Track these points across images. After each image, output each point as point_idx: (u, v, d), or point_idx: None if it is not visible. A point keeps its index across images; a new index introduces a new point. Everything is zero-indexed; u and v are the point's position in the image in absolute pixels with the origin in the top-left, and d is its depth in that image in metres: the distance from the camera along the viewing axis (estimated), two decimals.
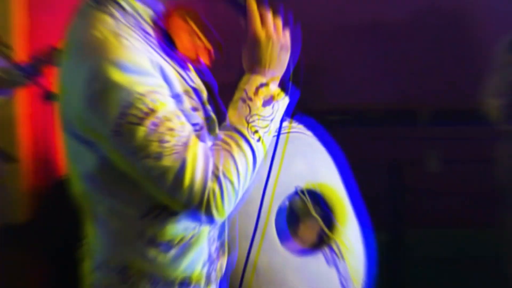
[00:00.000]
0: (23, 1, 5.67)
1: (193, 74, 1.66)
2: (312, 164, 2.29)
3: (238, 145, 1.54)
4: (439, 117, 4.44)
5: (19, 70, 3.92)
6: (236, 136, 1.55)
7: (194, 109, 1.58)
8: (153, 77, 1.50)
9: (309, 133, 2.33)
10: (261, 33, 1.60)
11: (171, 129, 1.48)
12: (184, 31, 1.66)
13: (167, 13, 1.68)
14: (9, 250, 4.46)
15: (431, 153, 4.17)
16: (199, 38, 1.68)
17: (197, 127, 1.55)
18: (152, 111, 1.46)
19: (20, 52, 4.53)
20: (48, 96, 3.98)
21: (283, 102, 1.63)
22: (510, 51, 3.40)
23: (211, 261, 1.72)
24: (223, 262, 1.79)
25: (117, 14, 1.58)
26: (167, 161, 1.48)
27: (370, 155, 4.23)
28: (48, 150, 5.39)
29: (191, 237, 1.65)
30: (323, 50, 5.12)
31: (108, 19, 1.55)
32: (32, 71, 4.03)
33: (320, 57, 5.08)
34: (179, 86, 1.56)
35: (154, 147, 1.48)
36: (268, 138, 1.60)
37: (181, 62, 1.62)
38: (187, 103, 1.57)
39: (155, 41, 1.59)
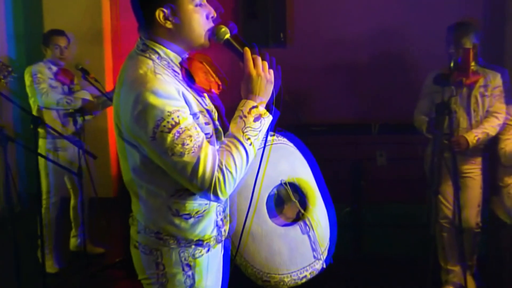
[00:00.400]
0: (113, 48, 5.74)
1: (207, 100, 1.75)
2: (293, 164, 2.30)
3: (236, 147, 1.63)
4: (386, 127, 4.42)
5: (105, 96, 3.99)
6: (235, 141, 1.63)
7: (207, 123, 1.68)
8: (177, 101, 1.59)
9: (290, 144, 2.34)
10: (253, 72, 1.68)
11: (190, 136, 1.57)
12: (200, 70, 1.75)
13: (190, 58, 1.75)
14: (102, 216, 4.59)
15: (380, 153, 4.16)
16: (211, 75, 1.78)
17: (208, 136, 1.66)
18: (177, 123, 1.57)
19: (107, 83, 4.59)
20: None
21: (268, 118, 1.69)
22: (435, 82, 3.40)
23: (218, 227, 1.80)
24: (226, 228, 1.86)
25: (155, 58, 1.67)
26: (187, 158, 1.57)
27: (340, 154, 4.28)
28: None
29: (204, 211, 1.74)
30: (312, 81, 5.14)
31: (148, 61, 1.66)
32: (111, 98, 4.09)
33: (309, 86, 5.08)
34: (196, 107, 1.66)
35: (179, 148, 1.57)
36: (258, 142, 1.67)
37: (198, 91, 1.71)
38: (202, 119, 1.67)
39: (180, 77, 1.68)
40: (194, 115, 1.64)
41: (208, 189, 1.58)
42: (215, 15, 1.70)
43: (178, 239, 1.73)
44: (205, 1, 1.70)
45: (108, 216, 4.67)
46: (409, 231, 4.20)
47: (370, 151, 4.26)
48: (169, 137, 1.56)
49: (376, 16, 5.03)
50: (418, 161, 3.76)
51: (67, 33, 4.15)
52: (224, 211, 1.83)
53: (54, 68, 4.08)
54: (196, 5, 1.67)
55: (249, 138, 1.65)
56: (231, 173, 1.60)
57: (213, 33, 1.70)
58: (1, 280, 3.11)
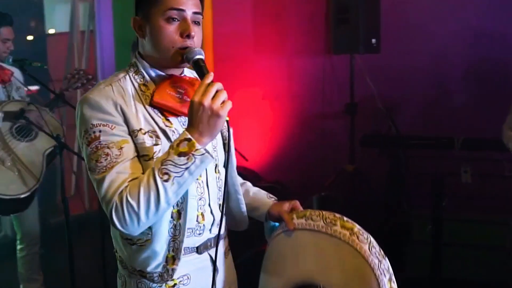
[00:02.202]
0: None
1: (171, 122, 1.60)
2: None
3: (147, 180, 1.44)
4: (470, 142, 4.16)
5: None
6: (150, 173, 1.45)
7: (155, 144, 1.54)
8: (107, 115, 1.52)
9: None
10: (194, 98, 1.44)
11: (106, 154, 1.49)
12: (170, 89, 1.62)
13: (170, 76, 1.63)
14: None
15: (465, 169, 3.93)
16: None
17: (146, 158, 1.53)
18: (97, 138, 1.50)
19: None
20: None
21: (201, 157, 1.44)
22: None
23: (164, 266, 1.61)
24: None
25: (132, 70, 1.63)
26: (97, 175, 1.50)
27: (420, 168, 4.09)
28: None
29: (145, 240, 1.58)
30: (399, 90, 4.96)
31: (121, 73, 1.64)
32: None
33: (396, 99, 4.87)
34: (139, 125, 1.54)
35: (93, 163, 1.51)
36: (185, 180, 1.45)
37: (160, 110, 1.58)
38: (146, 139, 1.54)
39: (146, 93, 1.59)
40: (131, 132, 1.54)
41: (107, 214, 1.47)
42: (192, 33, 1.56)
43: (125, 266, 1.67)
44: (185, 17, 1.56)
45: None
46: (491, 253, 3.92)
47: (453, 166, 4.01)
48: (88, 150, 1.52)
49: (469, 26, 4.77)
50: (504, 179, 3.49)
51: None
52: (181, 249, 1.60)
53: None
54: (167, 19, 1.56)
55: (166, 173, 1.43)
56: (131, 206, 1.44)
57: (185, 51, 1.56)
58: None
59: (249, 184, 1.95)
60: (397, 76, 4.91)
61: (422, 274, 3.92)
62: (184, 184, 1.46)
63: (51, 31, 5.84)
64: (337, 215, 1.57)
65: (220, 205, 1.72)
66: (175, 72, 1.64)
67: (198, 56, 1.54)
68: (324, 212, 1.60)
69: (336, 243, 1.55)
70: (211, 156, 1.47)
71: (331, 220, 1.57)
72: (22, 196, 3.06)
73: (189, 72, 1.74)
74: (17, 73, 3.54)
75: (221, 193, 1.73)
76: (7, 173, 3.14)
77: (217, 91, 1.45)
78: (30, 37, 6.04)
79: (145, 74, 1.63)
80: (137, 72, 1.63)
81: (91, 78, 3.48)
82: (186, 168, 1.43)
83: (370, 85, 4.83)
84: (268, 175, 5.38)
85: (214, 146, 1.72)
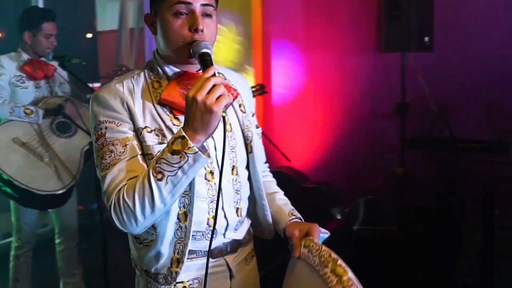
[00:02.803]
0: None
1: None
2: None
3: (143, 179, 1.41)
4: None
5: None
6: (145, 172, 1.42)
7: (160, 143, 1.50)
8: (113, 111, 1.51)
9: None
10: (189, 92, 1.37)
11: (111, 151, 1.48)
12: (180, 86, 1.57)
13: (184, 73, 1.60)
14: None
15: None
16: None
17: (150, 157, 1.49)
18: (103, 134, 1.50)
19: None
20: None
21: (194, 155, 1.36)
22: None
23: (169, 268, 1.57)
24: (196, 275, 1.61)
25: (148, 68, 1.62)
26: (101, 172, 1.49)
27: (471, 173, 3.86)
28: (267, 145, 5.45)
29: (151, 240, 1.56)
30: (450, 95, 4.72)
31: (137, 71, 1.63)
32: None
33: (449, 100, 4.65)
34: (144, 123, 1.52)
35: (98, 160, 1.51)
36: (179, 180, 1.39)
37: (168, 107, 1.55)
38: (151, 137, 1.51)
39: (159, 90, 1.57)
40: (136, 130, 1.52)
41: (108, 211, 1.46)
42: (200, 27, 1.50)
43: (137, 266, 1.65)
44: (193, 10, 1.51)
45: None
46: None
47: (507, 172, 3.77)
48: (95, 147, 1.53)
49: None
50: None
51: None
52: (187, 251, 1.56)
53: None
54: (175, 14, 1.51)
55: (160, 172, 1.38)
56: (128, 205, 1.41)
57: (192, 45, 1.50)
58: None
59: (279, 194, 1.87)
60: (451, 76, 4.69)
61: (472, 283, 3.70)
62: (178, 183, 1.40)
63: (102, 29, 5.88)
64: (333, 255, 1.40)
65: (237, 209, 1.66)
66: (191, 68, 1.60)
67: (203, 50, 1.48)
68: (323, 248, 1.45)
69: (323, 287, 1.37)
70: (204, 155, 1.39)
71: (325, 259, 1.40)
72: (58, 192, 3.07)
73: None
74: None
75: (240, 196, 1.66)
76: (45, 169, 3.17)
77: (214, 86, 1.37)
78: (89, 35, 6.14)
79: (159, 71, 1.60)
80: (152, 69, 1.61)
81: None
82: (179, 167, 1.37)
83: (423, 84, 4.62)
84: (315, 175, 5.29)
85: (233, 146, 1.65)
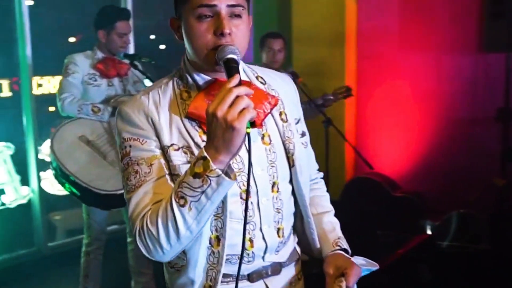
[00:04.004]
0: None
1: None
2: None
3: (166, 204, 1.28)
4: None
5: (313, 103, 3.81)
6: (169, 196, 1.28)
7: (189, 162, 1.34)
8: (138, 128, 1.38)
9: None
10: (209, 108, 1.21)
11: (136, 172, 1.36)
12: (208, 97, 1.40)
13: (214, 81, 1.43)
14: None
15: None
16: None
17: (177, 177, 1.33)
18: (128, 153, 1.38)
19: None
20: (328, 122, 3.82)
21: (217, 179, 1.21)
22: None
23: None
24: None
25: (177, 75, 1.47)
26: (126, 195, 1.38)
27: None
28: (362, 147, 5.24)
29: (181, 265, 1.43)
30: None
31: (166, 80, 1.48)
32: (324, 103, 3.91)
33: None
34: (172, 140, 1.38)
35: (124, 180, 1.39)
36: (203, 206, 1.25)
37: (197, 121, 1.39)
38: (179, 155, 1.37)
39: (187, 102, 1.41)
40: (163, 148, 1.38)
41: (134, 240, 1.34)
42: (226, 31, 1.32)
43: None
44: (218, 12, 1.33)
45: None
46: None
47: None
48: (121, 167, 1.41)
49: None
50: None
51: (282, 36, 4.06)
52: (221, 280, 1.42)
53: None
54: (198, 17, 1.34)
55: (183, 197, 1.25)
56: (152, 233, 1.29)
57: (217, 50, 1.33)
58: None
59: (327, 215, 1.67)
60: None
61: None
62: (203, 210, 1.26)
63: None
64: None
65: (278, 229, 1.50)
66: (222, 76, 1.40)
67: (229, 56, 1.31)
68: None
69: None
70: (230, 177, 1.24)
71: None
72: (118, 192, 2.99)
73: (242, 74, 1.50)
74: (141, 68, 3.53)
75: (281, 215, 1.50)
76: (107, 168, 3.13)
77: (236, 98, 1.20)
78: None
79: (189, 79, 1.45)
80: (182, 77, 1.46)
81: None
82: (202, 192, 1.23)
83: None
84: (406, 183, 5.02)
85: (272, 160, 1.48)
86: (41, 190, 4.47)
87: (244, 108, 1.18)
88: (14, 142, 4.31)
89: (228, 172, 1.26)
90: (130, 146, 1.37)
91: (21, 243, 4.47)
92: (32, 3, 4.42)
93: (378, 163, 5.33)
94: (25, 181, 4.39)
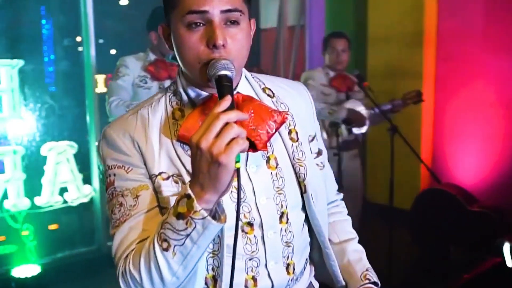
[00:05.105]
0: None
1: None
2: None
3: (149, 246, 1.11)
4: None
5: (379, 110, 3.52)
6: (151, 237, 1.11)
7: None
8: (122, 154, 1.20)
9: None
10: (193, 137, 1.03)
11: (120, 204, 1.19)
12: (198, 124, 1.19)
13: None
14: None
15: None
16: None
17: (164, 211, 1.17)
18: (112, 182, 1.21)
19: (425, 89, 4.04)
20: (394, 130, 3.51)
21: (202, 221, 1.04)
22: None
23: None
24: None
25: (171, 90, 1.28)
26: (111, 229, 1.21)
27: None
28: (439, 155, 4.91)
29: None
30: None
31: (157, 95, 1.29)
32: (392, 109, 3.62)
33: None
34: (159, 168, 1.19)
35: (109, 214, 1.23)
36: (189, 251, 1.07)
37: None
38: (169, 184, 1.18)
39: (180, 124, 1.21)
40: (151, 176, 1.19)
41: (118, 280, 1.18)
42: (219, 42, 1.12)
43: None
44: (210, 20, 1.13)
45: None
46: None
47: None
48: (106, 197, 1.24)
49: None
50: None
51: (347, 36, 3.78)
52: None
53: (331, 74, 3.76)
54: (188, 26, 1.14)
55: (165, 240, 1.07)
56: (134, 277, 1.12)
57: (209, 65, 1.13)
58: None
59: (352, 243, 1.47)
60: None
61: None
62: (189, 255, 1.09)
63: (265, 26, 5.66)
64: None
65: (288, 265, 1.28)
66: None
67: (221, 72, 1.11)
68: None
69: None
70: (220, 219, 1.07)
71: None
72: None
73: (245, 87, 1.30)
74: None
75: (291, 249, 1.29)
76: None
77: (225, 126, 1.00)
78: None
79: (183, 94, 1.25)
80: (176, 92, 1.27)
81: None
82: (187, 235, 1.06)
83: None
84: (486, 197, 4.56)
85: (280, 186, 1.26)
86: (102, 189, 4.44)
87: (233, 139, 1.00)
88: (77, 141, 4.32)
89: (218, 211, 1.07)
90: (115, 175, 1.21)
91: (82, 240, 4.51)
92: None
93: (455, 174, 4.94)
94: (87, 180, 4.39)
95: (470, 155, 4.87)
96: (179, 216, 1.05)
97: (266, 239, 1.24)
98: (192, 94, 1.23)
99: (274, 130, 1.21)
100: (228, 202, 1.18)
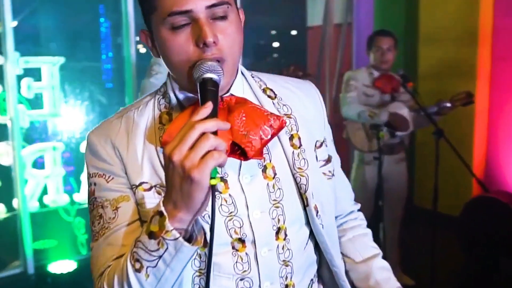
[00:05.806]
0: None
1: None
2: None
3: (122, 265, 1.01)
4: None
5: (424, 112, 3.32)
6: (125, 256, 1.01)
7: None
8: (105, 163, 1.11)
9: None
10: (166, 149, 0.92)
11: (100, 216, 1.10)
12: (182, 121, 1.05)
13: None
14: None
15: None
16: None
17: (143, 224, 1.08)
18: (92, 192, 1.13)
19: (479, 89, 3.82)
20: (439, 134, 3.30)
21: (174, 242, 0.93)
22: None
23: None
24: None
25: (161, 92, 1.17)
26: (91, 243, 1.13)
27: None
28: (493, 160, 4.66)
29: None
30: None
31: (147, 98, 1.18)
32: (439, 111, 3.42)
33: None
34: (141, 177, 1.08)
35: (90, 225, 1.14)
36: (162, 273, 0.96)
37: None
38: (151, 198, 1.07)
39: (164, 127, 1.11)
40: (132, 188, 1.09)
41: None
42: (209, 40, 1.00)
43: None
44: (196, 18, 1.02)
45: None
46: None
47: None
48: (88, 206, 1.16)
49: None
50: None
51: (393, 34, 3.59)
52: None
53: (376, 74, 3.58)
54: (173, 28, 1.03)
55: (138, 261, 0.97)
56: None
57: (194, 66, 1.02)
58: None
59: (377, 260, 1.35)
60: None
61: None
62: (163, 277, 0.98)
63: (312, 23, 5.50)
64: None
65: (287, 286, 1.16)
66: None
67: (205, 75, 1.00)
68: None
69: None
70: (196, 240, 0.98)
71: None
72: None
73: (241, 88, 1.17)
74: None
75: (291, 268, 1.16)
76: None
77: (202, 135, 0.90)
78: (293, 32, 5.88)
79: (171, 97, 1.15)
80: (165, 95, 1.16)
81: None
82: (159, 257, 0.96)
83: None
84: None
85: (277, 199, 1.14)
86: None
87: (208, 151, 0.89)
88: None
89: (195, 231, 0.97)
90: (95, 184, 1.12)
91: None
92: None
93: (510, 181, 4.66)
94: None
95: None
96: (151, 235, 0.95)
97: (259, 258, 1.11)
98: (181, 96, 1.13)
99: (269, 136, 1.08)
100: (217, 217, 1.07)
